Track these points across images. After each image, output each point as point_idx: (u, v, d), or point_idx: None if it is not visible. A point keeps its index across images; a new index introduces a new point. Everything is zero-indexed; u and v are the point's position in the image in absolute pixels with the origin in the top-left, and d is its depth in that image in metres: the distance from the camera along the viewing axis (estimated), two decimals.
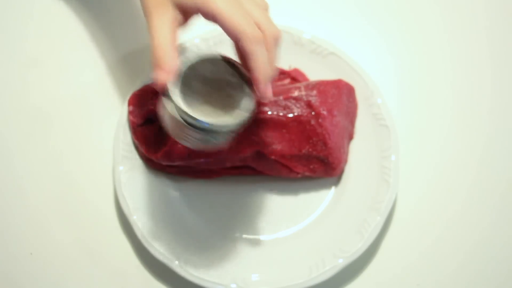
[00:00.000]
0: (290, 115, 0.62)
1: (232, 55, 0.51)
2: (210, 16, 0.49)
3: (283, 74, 0.68)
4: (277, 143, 0.62)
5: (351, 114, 0.66)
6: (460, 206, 0.66)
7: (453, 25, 0.75)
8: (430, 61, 0.73)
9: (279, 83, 0.68)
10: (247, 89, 0.51)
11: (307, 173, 0.64)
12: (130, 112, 0.64)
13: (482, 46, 0.74)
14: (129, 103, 0.64)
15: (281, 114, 0.62)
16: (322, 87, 0.63)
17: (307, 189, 0.66)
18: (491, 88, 0.72)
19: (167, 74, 0.49)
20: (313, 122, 0.62)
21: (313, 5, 0.76)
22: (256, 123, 0.62)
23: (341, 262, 0.60)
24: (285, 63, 0.69)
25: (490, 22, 0.75)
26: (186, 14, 0.51)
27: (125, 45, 0.74)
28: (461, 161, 0.68)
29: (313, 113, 0.62)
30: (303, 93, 0.62)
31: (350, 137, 0.66)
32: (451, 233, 0.65)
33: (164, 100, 0.50)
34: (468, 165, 0.68)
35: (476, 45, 0.74)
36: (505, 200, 0.66)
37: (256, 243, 0.63)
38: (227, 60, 0.52)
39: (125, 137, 0.64)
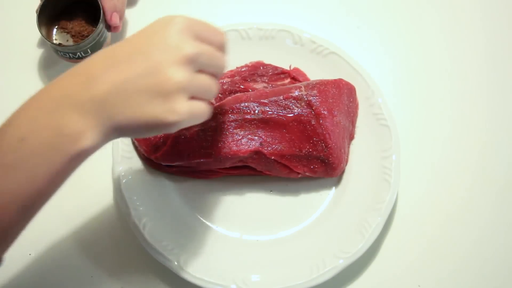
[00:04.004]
0: (291, 115, 0.62)
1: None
2: None
3: (283, 73, 0.68)
4: (277, 143, 0.62)
5: (351, 114, 0.65)
6: (460, 206, 0.66)
7: (452, 25, 0.75)
8: (430, 61, 0.73)
9: (280, 82, 0.68)
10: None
11: (307, 173, 0.63)
12: None
13: (482, 46, 0.74)
14: None
15: (281, 114, 0.62)
16: (323, 86, 0.63)
17: (307, 189, 0.65)
18: (491, 89, 0.72)
19: None
20: (313, 122, 0.61)
21: (313, 5, 0.76)
22: (256, 123, 0.62)
23: (341, 262, 0.59)
24: (286, 62, 0.68)
25: (488, 21, 0.76)
26: None
27: None
28: (461, 161, 0.68)
29: (313, 113, 0.61)
30: (304, 92, 0.62)
31: (351, 137, 0.66)
32: (452, 233, 0.65)
33: None
34: (468, 165, 0.68)
35: (476, 46, 0.74)
36: (505, 201, 0.66)
37: (256, 243, 0.63)
38: None
39: (124, 138, 0.64)
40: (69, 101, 0.44)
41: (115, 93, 0.44)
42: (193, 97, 0.47)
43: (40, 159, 0.44)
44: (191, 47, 0.46)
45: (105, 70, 0.45)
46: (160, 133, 0.46)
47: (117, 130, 0.45)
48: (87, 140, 0.44)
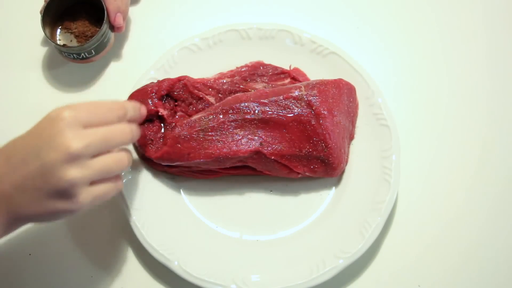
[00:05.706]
0: (291, 115, 0.62)
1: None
2: None
3: (283, 73, 0.68)
4: (277, 143, 0.62)
5: (351, 113, 0.65)
6: (460, 206, 0.66)
7: (452, 25, 0.75)
8: (430, 61, 0.73)
9: (280, 82, 0.68)
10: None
11: (307, 173, 0.63)
12: None
13: (482, 46, 0.74)
14: None
15: (281, 114, 0.62)
16: (323, 86, 0.63)
17: (307, 189, 0.65)
18: (491, 88, 0.72)
19: None
20: (313, 122, 0.61)
21: (313, 5, 0.76)
22: (256, 123, 0.62)
23: (341, 262, 0.59)
24: (286, 62, 0.68)
25: (489, 21, 0.75)
26: None
27: (125, 44, 0.74)
28: (461, 161, 0.68)
29: (313, 113, 0.61)
30: (304, 92, 0.62)
31: (351, 137, 0.66)
32: (452, 233, 0.65)
33: None
34: (468, 165, 0.68)
35: (476, 46, 0.74)
36: (504, 201, 0.66)
37: (256, 243, 0.63)
38: None
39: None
40: None
41: (16, 192, 0.47)
42: (94, 182, 0.49)
43: None
44: (78, 142, 0.47)
45: (4, 171, 0.48)
46: (65, 218, 0.52)
47: (22, 221, 0.50)
48: None
